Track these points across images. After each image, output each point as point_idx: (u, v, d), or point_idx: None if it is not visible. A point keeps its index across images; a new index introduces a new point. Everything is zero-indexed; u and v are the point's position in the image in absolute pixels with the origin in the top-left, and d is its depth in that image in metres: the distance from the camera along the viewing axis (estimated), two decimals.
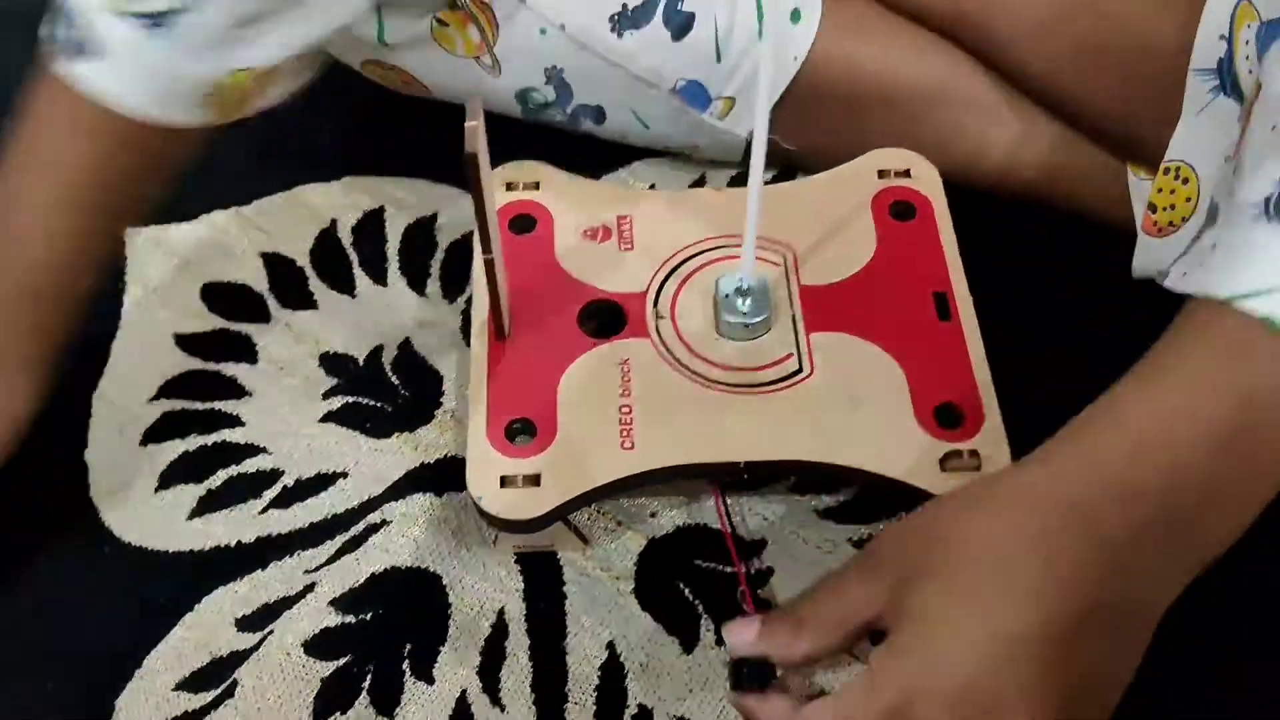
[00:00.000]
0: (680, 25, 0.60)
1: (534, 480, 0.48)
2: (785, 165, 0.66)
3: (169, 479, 0.57)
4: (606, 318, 0.53)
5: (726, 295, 0.52)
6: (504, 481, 0.48)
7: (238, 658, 0.51)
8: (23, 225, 0.52)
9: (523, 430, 0.50)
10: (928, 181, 0.58)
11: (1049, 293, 0.61)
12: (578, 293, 0.54)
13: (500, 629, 0.51)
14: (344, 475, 0.56)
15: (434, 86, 0.64)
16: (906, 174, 0.58)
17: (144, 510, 0.56)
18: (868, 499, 0.55)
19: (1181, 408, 0.39)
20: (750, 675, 0.43)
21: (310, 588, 0.52)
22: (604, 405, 0.50)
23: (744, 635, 0.44)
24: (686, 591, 0.52)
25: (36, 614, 0.53)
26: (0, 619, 0.53)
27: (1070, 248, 0.62)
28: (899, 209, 0.56)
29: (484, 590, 0.53)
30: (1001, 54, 0.59)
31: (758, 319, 0.51)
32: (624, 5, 0.59)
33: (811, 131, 0.59)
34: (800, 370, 0.51)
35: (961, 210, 0.57)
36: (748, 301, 0.52)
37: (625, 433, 0.49)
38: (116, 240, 0.56)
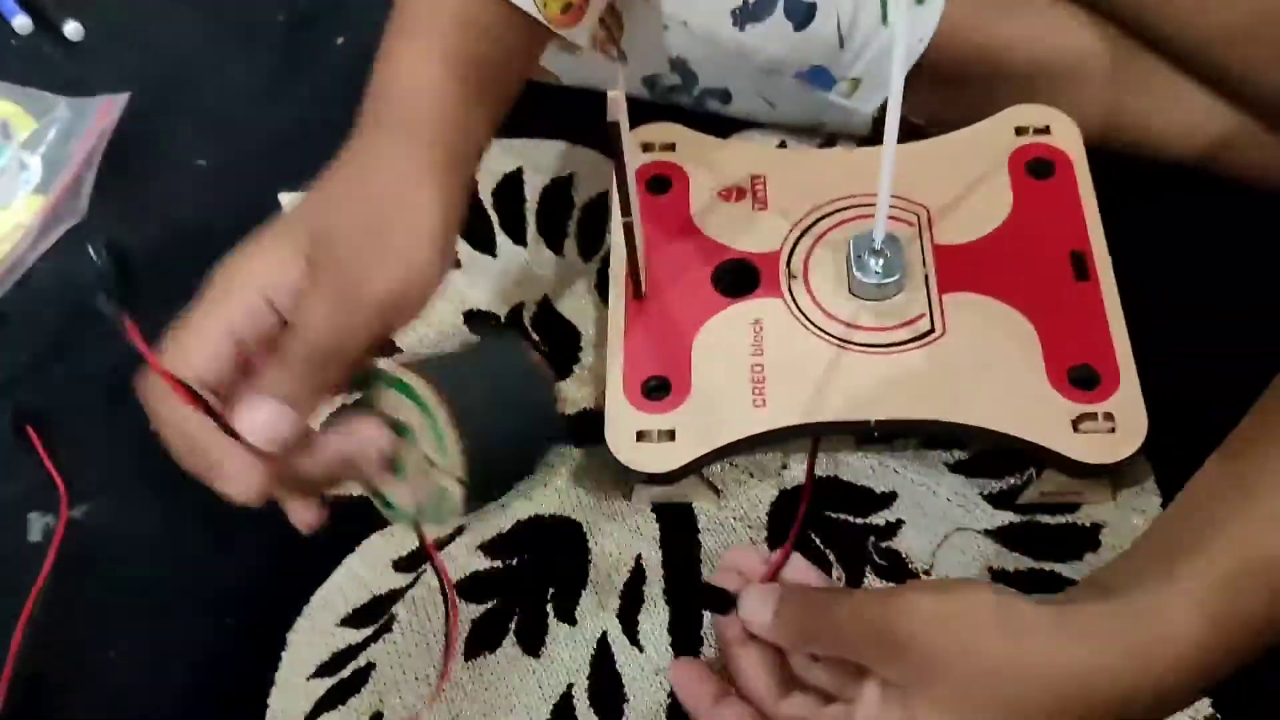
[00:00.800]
0: (803, 16, 0.60)
1: (669, 435, 0.50)
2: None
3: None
4: (740, 277, 0.55)
5: (859, 255, 0.53)
6: (640, 436, 0.50)
7: (394, 595, 0.55)
8: (415, 89, 0.48)
9: (658, 387, 0.52)
10: (1068, 138, 0.57)
11: (1192, 257, 0.60)
12: (712, 252, 0.55)
13: (638, 574, 0.54)
14: None
15: (563, 74, 0.66)
16: (1045, 131, 0.57)
17: None
18: (998, 454, 0.55)
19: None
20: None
21: (460, 530, 0.56)
22: (737, 364, 0.52)
23: (759, 611, 0.44)
24: (817, 540, 0.54)
25: (218, 555, 0.58)
26: (188, 560, 0.58)
27: (1218, 212, 0.60)
28: (1037, 166, 0.56)
29: (622, 538, 0.55)
30: (1157, 26, 0.57)
31: (890, 279, 0.52)
32: (745, 0, 0.60)
33: (944, 105, 0.59)
34: (932, 330, 0.52)
35: (1103, 170, 0.57)
36: (880, 261, 0.52)
37: (757, 391, 0.51)
38: (488, 132, 0.50)
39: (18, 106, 0.76)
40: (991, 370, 0.50)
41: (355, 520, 0.57)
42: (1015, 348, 0.51)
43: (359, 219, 0.45)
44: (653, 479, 0.50)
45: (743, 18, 0.60)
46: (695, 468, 0.50)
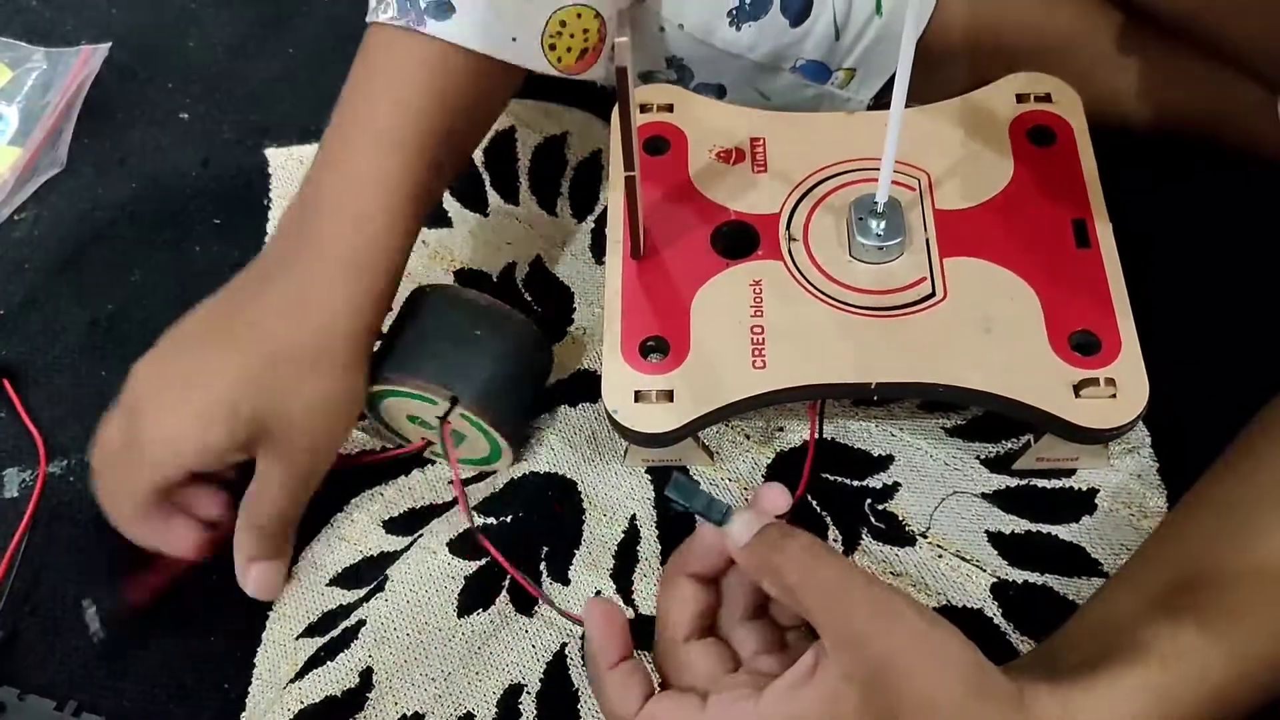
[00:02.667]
0: (798, 12, 0.60)
1: (667, 396, 0.50)
2: None
3: None
4: (739, 239, 0.54)
5: (860, 218, 0.52)
6: (638, 396, 0.50)
7: (387, 558, 0.54)
8: (357, 179, 0.51)
9: (656, 347, 0.51)
10: (1069, 106, 0.56)
11: (1192, 225, 0.60)
12: (711, 213, 0.55)
13: (632, 535, 0.54)
14: None
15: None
16: (1047, 99, 0.57)
17: None
18: (995, 419, 0.55)
19: None
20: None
21: (454, 502, 0.55)
22: (736, 324, 0.51)
23: (741, 532, 0.40)
24: (814, 503, 0.54)
25: None
26: None
27: (1218, 181, 0.61)
28: (1038, 134, 0.56)
29: (616, 498, 0.55)
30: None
31: (891, 242, 0.52)
32: (741, 0, 0.59)
33: (936, 88, 0.58)
34: (933, 294, 0.51)
35: (1103, 139, 0.56)
36: (881, 224, 0.52)
37: (757, 352, 0.50)
38: (433, 201, 0.54)
39: None
40: (992, 335, 0.50)
41: (342, 481, 0.57)
42: (1016, 313, 0.50)
43: (297, 382, 0.49)
44: (650, 440, 0.50)
45: (739, 18, 0.60)
46: (694, 429, 0.50)
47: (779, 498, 0.41)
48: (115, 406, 0.51)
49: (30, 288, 0.65)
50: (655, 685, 0.41)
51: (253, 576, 0.52)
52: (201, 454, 0.49)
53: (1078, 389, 0.48)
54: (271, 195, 0.67)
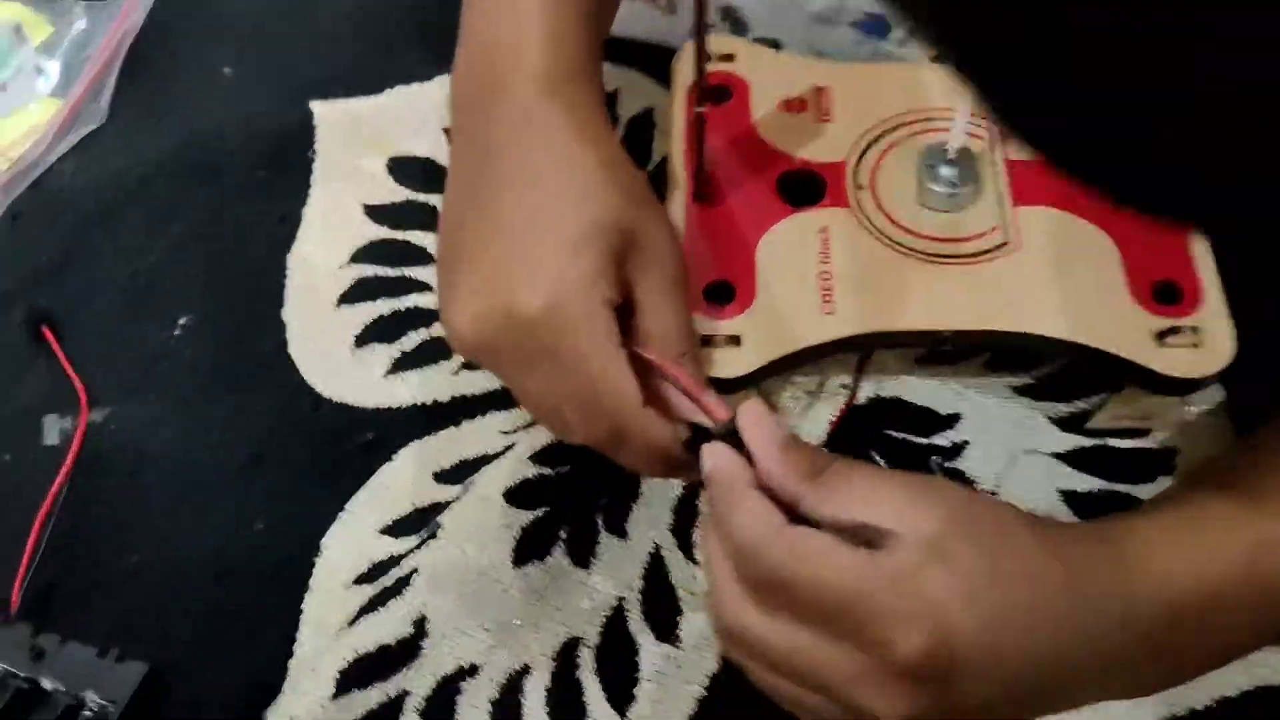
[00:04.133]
0: None
1: (734, 341, 0.48)
2: None
3: (364, 339, 0.59)
4: (804, 186, 0.53)
5: (931, 165, 0.51)
6: (704, 341, 0.48)
7: (438, 508, 0.53)
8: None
9: (721, 292, 0.50)
10: None
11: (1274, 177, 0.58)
12: (775, 161, 0.53)
13: (692, 489, 0.52)
14: None
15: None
16: None
17: (341, 367, 0.58)
18: (1066, 377, 0.54)
19: None
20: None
21: (509, 448, 0.54)
22: (804, 271, 0.50)
23: (769, 447, 0.38)
24: (879, 459, 0.52)
25: (247, 462, 0.55)
26: (214, 467, 0.55)
27: None
28: None
29: None
30: None
31: (964, 188, 0.50)
32: None
33: None
34: (1006, 243, 0.50)
35: None
36: (954, 171, 0.50)
37: (826, 298, 0.49)
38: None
39: (31, 10, 0.73)
40: (1071, 283, 0.48)
41: (393, 428, 0.55)
42: (1095, 261, 0.49)
43: (612, 186, 0.44)
44: (718, 387, 0.48)
45: None
46: (762, 376, 0.48)
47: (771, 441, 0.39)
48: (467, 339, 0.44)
49: (70, 239, 0.63)
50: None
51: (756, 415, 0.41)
52: (602, 265, 0.42)
53: (1161, 337, 0.47)
54: (316, 148, 0.66)
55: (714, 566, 0.38)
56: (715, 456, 0.40)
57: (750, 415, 0.39)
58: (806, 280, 0.49)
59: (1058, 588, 0.37)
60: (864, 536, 0.36)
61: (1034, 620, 0.36)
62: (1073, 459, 0.52)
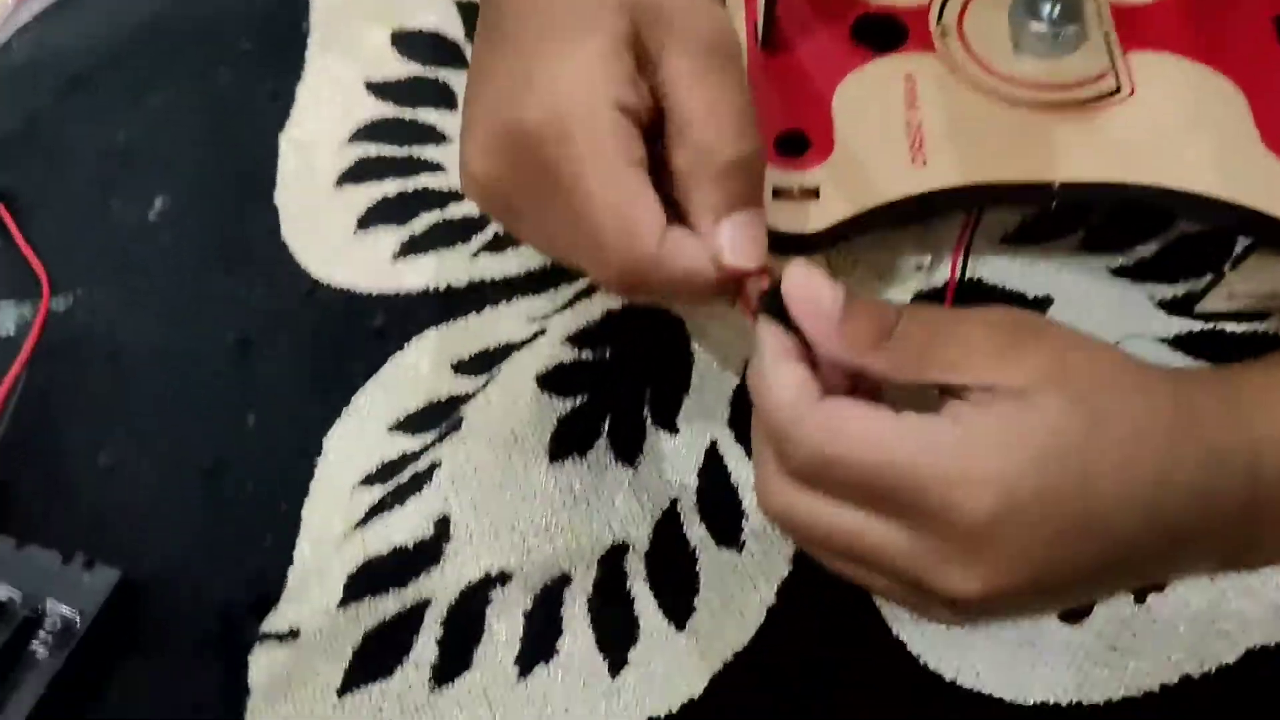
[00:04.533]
0: None
1: (812, 193, 0.42)
2: None
3: (368, 221, 0.52)
4: (883, 31, 0.46)
5: (1029, 4, 0.45)
6: (777, 193, 0.42)
7: (458, 401, 0.46)
8: None
9: (795, 143, 0.43)
10: None
11: None
12: (849, 4, 0.47)
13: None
14: None
15: None
16: None
17: (344, 251, 0.51)
18: (1168, 256, 0.48)
19: None
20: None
21: (540, 333, 0.47)
22: (888, 119, 0.43)
23: (818, 320, 0.33)
24: None
25: (235, 350, 0.48)
26: (196, 357, 0.48)
27: None
28: None
29: (728, 340, 0.46)
30: None
31: (1067, 29, 0.44)
32: None
33: None
34: (1119, 90, 0.44)
35: None
36: (1055, 8, 0.44)
37: (915, 147, 0.42)
38: None
39: None
40: (1196, 132, 0.42)
41: (403, 315, 0.48)
42: (1220, 109, 0.43)
43: None
44: (793, 244, 0.41)
45: None
46: (845, 231, 0.41)
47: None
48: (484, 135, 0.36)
49: (33, 111, 0.56)
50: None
51: (728, 237, 0.35)
52: (609, 58, 0.34)
53: None
54: (312, 20, 0.59)
55: (756, 451, 0.34)
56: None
57: (796, 281, 0.33)
58: (892, 130, 0.43)
59: (1168, 437, 0.32)
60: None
61: (1136, 474, 0.31)
62: (1184, 344, 0.46)
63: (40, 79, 0.57)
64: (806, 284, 0.33)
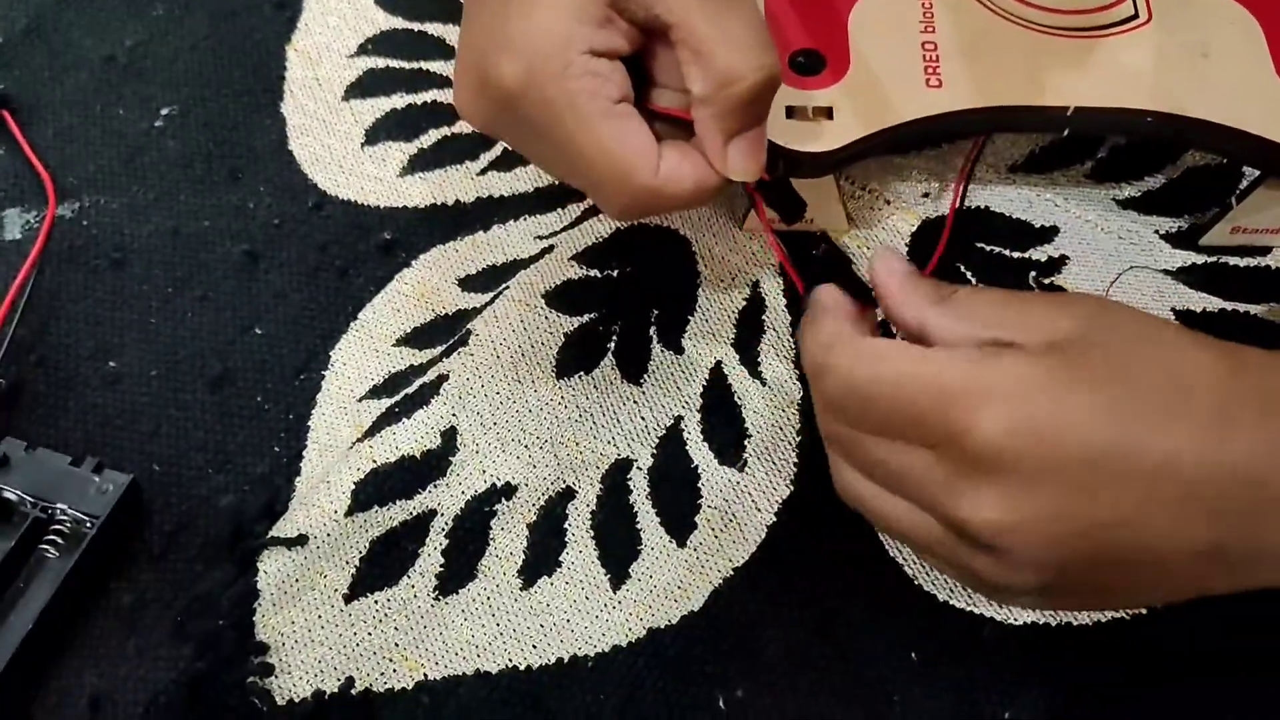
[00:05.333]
0: None
1: (826, 113, 0.41)
2: None
3: (375, 135, 0.51)
4: None
5: None
6: (791, 112, 0.41)
7: (465, 315, 0.46)
8: None
9: (810, 62, 0.43)
10: None
11: None
12: None
13: (756, 303, 0.46)
14: None
15: None
16: None
17: (350, 164, 0.51)
18: (1174, 189, 0.48)
19: None
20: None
21: (548, 250, 0.47)
22: (904, 40, 0.43)
23: (891, 276, 0.34)
24: (969, 275, 0.46)
25: (243, 261, 0.48)
26: (205, 265, 0.48)
27: None
28: None
29: (735, 263, 0.47)
30: None
31: None
32: None
33: None
34: (1135, 16, 0.43)
35: None
36: None
37: (930, 69, 0.42)
38: None
39: None
40: (1210, 60, 0.42)
41: (409, 230, 0.48)
42: (1235, 38, 0.42)
43: None
44: (806, 164, 0.41)
45: None
46: (857, 152, 0.41)
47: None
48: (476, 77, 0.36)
49: (36, 14, 0.55)
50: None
51: (735, 154, 0.36)
52: (577, 4, 0.35)
53: None
54: None
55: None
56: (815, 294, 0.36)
57: (879, 251, 0.36)
58: (908, 51, 0.43)
59: (1221, 382, 0.30)
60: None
61: (1187, 414, 0.30)
62: (1186, 276, 0.46)
63: None
64: (884, 253, 0.35)
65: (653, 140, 0.36)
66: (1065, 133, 0.43)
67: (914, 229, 0.47)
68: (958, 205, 0.46)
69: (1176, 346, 0.32)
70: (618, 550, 0.41)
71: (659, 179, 0.35)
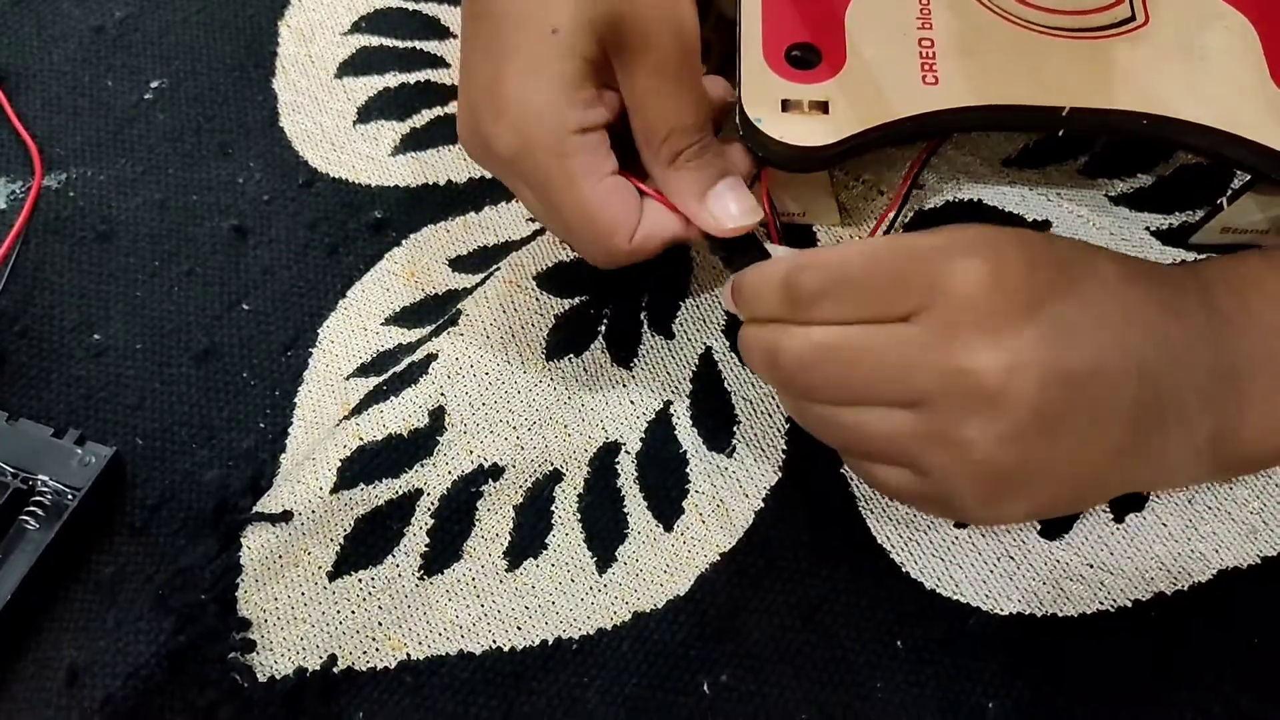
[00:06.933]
0: None
1: (821, 107, 0.42)
2: None
3: (368, 114, 0.51)
4: None
5: None
6: (786, 105, 0.41)
7: (455, 296, 0.46)
8: None
9: (806, 56, 0.43)
10: None
11: None
12: None
13: None
14: None
15: None
16: None
17: (341, 142, 0.50)
18: (1165, 187, 0.48)
19: None
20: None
21: (540, 231, 0.47)
22: (901, 35, 0.43)
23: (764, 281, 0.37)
24: None
25: (231, 236, 0.48)
26: (193, 240, 0.48)
27: None
28: None
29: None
30: None
31: None
32: None
33: None
34: (1133, 18, 0.44)
35: None
36: None
37: (927, 66, 0.42)
38: None
39: None
40: (1206, 64, 0.42)
41: (400, 210, 0.48)
42: (1231, 42, 0.43)
43: None
44: (801, 158, 0.41)
45: None
46: (851, 148, 0.41)
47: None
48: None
49: None
50: None
51: (725, 200, 0.40)
52: (571, 86, 0.38)
53: None
54: None
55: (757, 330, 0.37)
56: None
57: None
58: (905, 47, 0.43)
59: (1147, 300, 0.35)
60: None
61: (1118, 337, 0.34)
62: None
63: None
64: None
65: (636, 205, 0.40)
66: (1060, 132, 0.43)
67: (907, 221, 0.48)
68: (892, 215, 0.46)
69: (1104, 271, 0.35)
70: (604, 534, 0.41)
71: (635, 243, 0.39)
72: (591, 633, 0.39)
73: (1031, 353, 0.32)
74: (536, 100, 0.38)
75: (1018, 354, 0.32)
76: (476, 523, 0.41)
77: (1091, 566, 0.40)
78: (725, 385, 0.44)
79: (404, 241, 0.47)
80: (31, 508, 0.40)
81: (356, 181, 0.49)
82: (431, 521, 0.41)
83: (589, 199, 0.38)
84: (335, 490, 0.40)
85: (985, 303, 0.33)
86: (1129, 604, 0.39)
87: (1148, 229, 0.47)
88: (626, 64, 0.38)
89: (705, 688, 0.39)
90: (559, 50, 0.38)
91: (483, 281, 0.45)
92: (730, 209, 0.40)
